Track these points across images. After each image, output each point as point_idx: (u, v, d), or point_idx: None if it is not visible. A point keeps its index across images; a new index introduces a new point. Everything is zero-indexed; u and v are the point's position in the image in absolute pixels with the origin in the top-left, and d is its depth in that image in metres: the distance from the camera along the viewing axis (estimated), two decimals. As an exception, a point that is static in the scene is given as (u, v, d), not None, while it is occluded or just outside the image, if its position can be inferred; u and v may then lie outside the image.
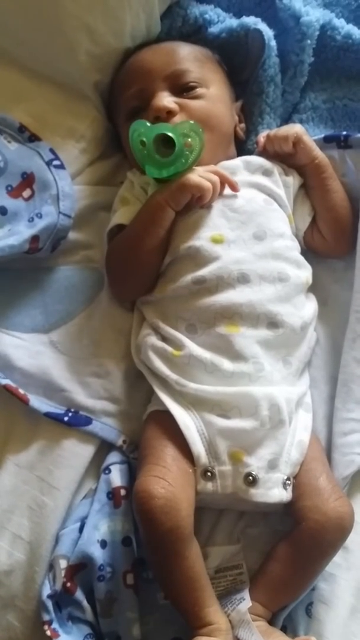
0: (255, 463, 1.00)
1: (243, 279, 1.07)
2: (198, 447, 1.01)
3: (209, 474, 1.00)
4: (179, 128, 1.08)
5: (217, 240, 1.09)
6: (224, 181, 1.11)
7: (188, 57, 1.21)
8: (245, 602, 0.97)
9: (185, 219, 1.11)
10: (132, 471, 1.08)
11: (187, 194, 1.08)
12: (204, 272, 1.07)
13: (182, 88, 1.17)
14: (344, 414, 1.11)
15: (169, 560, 0.95)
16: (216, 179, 1.09)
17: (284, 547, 1.02)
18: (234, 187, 1.12)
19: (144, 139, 1.08)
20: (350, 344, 1.14)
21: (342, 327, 1.16)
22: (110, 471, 1.08)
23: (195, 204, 1.10)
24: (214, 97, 1.19)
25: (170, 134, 1.07)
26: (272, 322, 1.06)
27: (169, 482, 0.96)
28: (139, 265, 1.12)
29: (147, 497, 0.94)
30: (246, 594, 0.98)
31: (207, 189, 1.07)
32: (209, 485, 1.00)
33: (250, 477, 0.99)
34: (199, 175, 1.09)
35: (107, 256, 1.17)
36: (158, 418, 1.06)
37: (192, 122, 1.09)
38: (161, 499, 0.94)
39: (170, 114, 1.13)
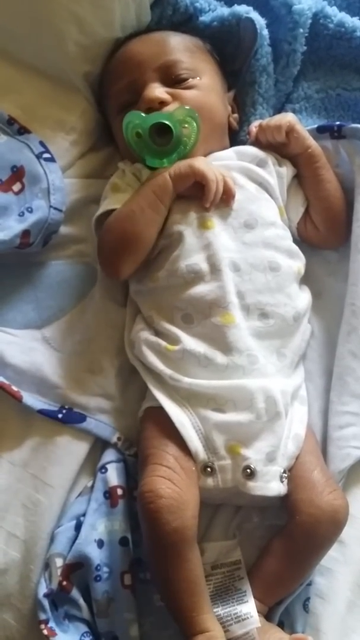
0: (253, 455, 1.00)
1: (234, 267, 1.06)
2: (195, 443, 1.00)
3: (208, 469, 1.00)
4: (175, 115, 1.07)
5: (207, 226, 1.08)
6: (225, 188, 1.08)
7: (179, 47, 1.19)
8: (253, 620, 0.96)
9: (177, 203, 1.10)
10: (129, 469, 1.08)
11: (191, 177, 1.07)
12: (196, 259, 1.06)
13: (174, 79, 1.16)
14: (339, 407, 1.11)
15: (171, 562, 0.94)
16: (221, 178, 1.07)
17: (279, 542, 1.02)
18: (228, 199, 1.09)
19: (140, 130, 1.07)
20: (345, 337, 1.13)
21: (337, 319, 1.15)
22: (106, 470, 1.07)
23: (200, 199, 1.08)
24: (207, 87, 1.17)
25: (167, 122, 1.06)
26: (263, 313, 1.06)
27: (175, 483, 0.95)
28: (138, 239, 1.09)
29: (154, 496, 0.93)
30: (253, 611, 0.97)
31: (211, 179, 1.06)
32: (209, 481, 1.00)
33: (249, 470, 0.99)
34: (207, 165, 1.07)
35: (103, 231, 1.13)
36: (155, 415, 1.05)
37: (187, 107, 1.08)
38: (168, 498, 0.93)
39: (162, 104, 1.12)
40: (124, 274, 1.13)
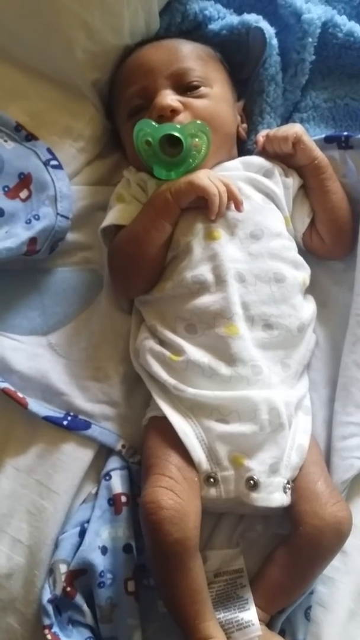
0: (256, 467, 1.00)
1: (239, 278, 1.06)
2: (198, 453, 1.01)
3: (211, 479, 1.00)
4: (187, 128, 1.07)
5: (213, 237, 1.08)
6: (231, 196, 1.08)
7: (191, 55, 1.19)
8: (254, 628, 0.97)
9: (184, 214, 1.10)
10: (133, 477, 1.08)
11: (192, 193, 1.07)
12: (202, 270, 1.07)
13: (186, 87, 1.15)
14: (343, 417, 1.11)
15: (173, 571, 0.95)
16: (224, 189, 1.07)
17: (282, 551, 1.03)
18: (238, 206, 1.09)
19: (150, 139, 1.07)
20: (350, 347, 1.13)
21: (342, 329, 1.16)
22: (110, 477, 1.08)
23: (206, 211, 1.08)
24: (218, 96, 1.17)
25: (178, 135, 1.06)
26: (267, 324, 1.06)
27: (176, 493, 0.96)
28: (145, 260, 1.10)
29: (155, 507, 0.94)
30: (255, 619, 0.98)
31: (213, 193, 1.06)
32: (212, 491, 1.00)
33: (252, 481, 0.99)
34: (209, 178, 1.07)
35: (111, 252, 1.15)
36: (159, 425, 1.05)
37: (199, 122, 1.08)
38: (170, 509, 0.94)
39: (174, 112, 1.11)
40: (136, 293, 1.15)
